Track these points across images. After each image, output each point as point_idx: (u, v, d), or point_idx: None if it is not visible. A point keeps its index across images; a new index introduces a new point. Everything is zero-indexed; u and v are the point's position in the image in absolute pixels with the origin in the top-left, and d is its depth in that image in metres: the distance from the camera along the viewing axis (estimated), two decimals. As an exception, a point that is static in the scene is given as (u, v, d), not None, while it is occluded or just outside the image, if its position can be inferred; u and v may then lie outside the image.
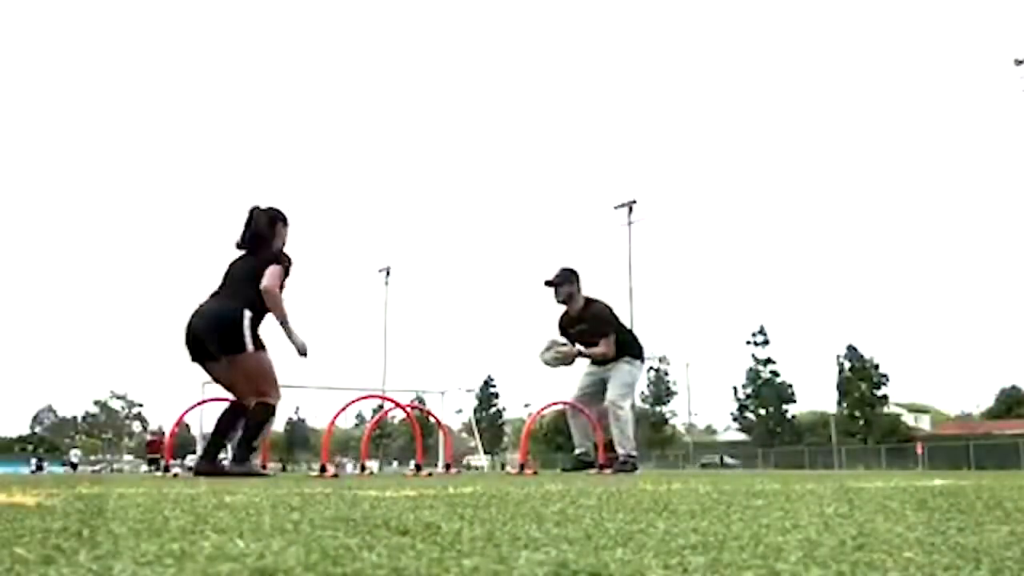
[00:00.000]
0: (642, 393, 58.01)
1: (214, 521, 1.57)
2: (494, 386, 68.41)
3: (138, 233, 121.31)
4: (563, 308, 7.56)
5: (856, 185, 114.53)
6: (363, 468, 7.53)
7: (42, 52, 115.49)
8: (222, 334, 5.36)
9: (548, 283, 7.45)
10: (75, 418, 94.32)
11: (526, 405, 65.73)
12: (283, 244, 5.72)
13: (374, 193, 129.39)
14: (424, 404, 32.97)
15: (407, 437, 67.26)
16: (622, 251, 39.06)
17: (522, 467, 6.56)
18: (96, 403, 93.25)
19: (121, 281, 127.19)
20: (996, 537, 1.33)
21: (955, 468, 35.97)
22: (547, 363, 7.34)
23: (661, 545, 1.18)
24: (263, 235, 5.63)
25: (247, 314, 5.33)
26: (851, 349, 54.69)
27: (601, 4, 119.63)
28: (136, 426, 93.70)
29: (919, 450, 45.32)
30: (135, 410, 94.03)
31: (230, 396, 5.89)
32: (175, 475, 6.76)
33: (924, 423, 71.27)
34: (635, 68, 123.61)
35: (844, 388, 53.92)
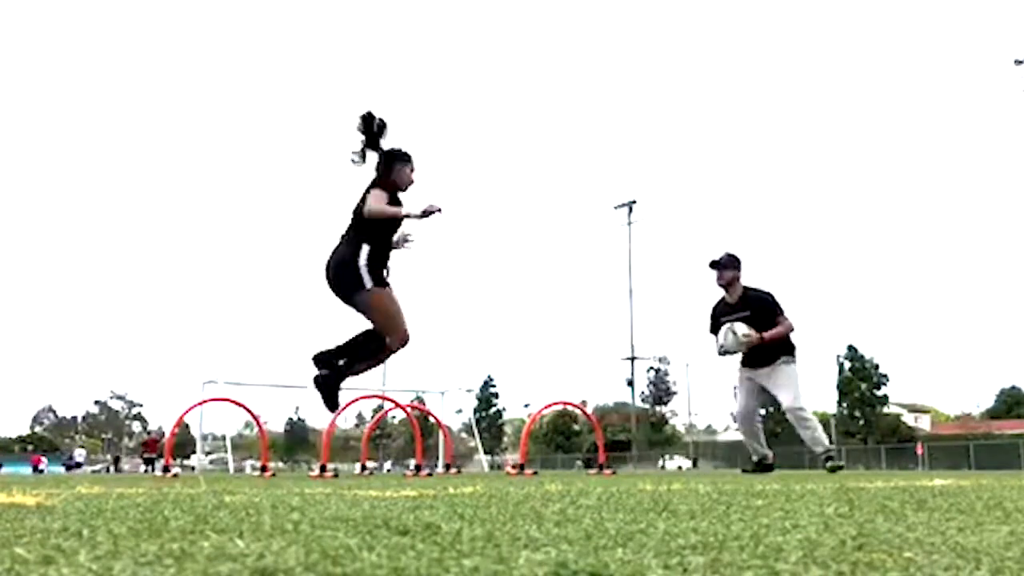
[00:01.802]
0: (642, 393, 57.96)
1: (214, 521, 1.57)
2: (494, 386, 68.39)
3: (138, 233, 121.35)
4: (721, 294, 7.51)
5: (856, 185, 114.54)
6: (363, 468, 7.54)
7: (42, 52, 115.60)
8: (342, 279, 5.33)
9: (713, 264, 7.41)
10: (75, 418, 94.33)
11: (526, 405, 65.70)
12: (403, 184, 5.56)
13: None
14: (424, 404, 32.98)
15: (407, 437, 67.26)
16: (622, 251, 39.13)
17: (522, 467, 6.56)
18: (96, 403, 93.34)
19: (121, 281, 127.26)
20: (996, 537, 1.33)
21: (955, 468, 36.01)
22: (729, 350, 7.28)
23: (661, 545, 1.18)
24: (378, 170, 5.51)
25: (364, 250, 5.30)
26: (851, 349, 54.68)
27: (601, 4, 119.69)
28: (136, 426, 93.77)
29: (919, 450, 45.35)
30: (135, 410, 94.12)
31: (232, 398, 5.98)
32: (175, 475, 6.77)
33: (924, 423, 71.28)
34: (635, 68, 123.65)
35: (844, 388, 53.92)
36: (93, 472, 37.85)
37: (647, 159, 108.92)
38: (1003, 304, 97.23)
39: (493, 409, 68.29)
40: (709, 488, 3.23)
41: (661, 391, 60.66)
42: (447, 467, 8.38)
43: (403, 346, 5.52)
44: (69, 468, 43.18)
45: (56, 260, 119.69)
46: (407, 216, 5.31)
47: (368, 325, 5.50)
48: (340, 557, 1.01)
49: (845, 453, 50.15)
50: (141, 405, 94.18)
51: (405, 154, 5.63)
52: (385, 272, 5.40)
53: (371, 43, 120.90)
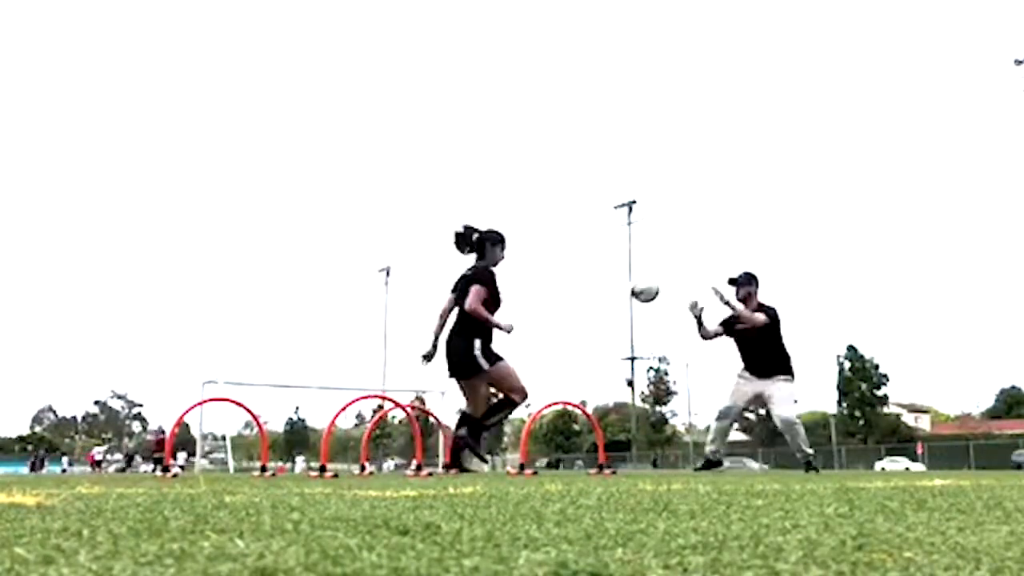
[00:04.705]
0: (642, 393, 57.95)
1: (214, 521, 1.57)
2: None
3: (138, 233, 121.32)
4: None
5: (856, 185, 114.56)
6: (363, 468, 7.54)
7: (42, 52, 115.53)
8: (460, 365, 6.47)
9: (731, 281, 8.18)
10: (75, 418, 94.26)
11: (526, 405, 65.70)
12: (496, 262, 6.73)
13: (374, 193, 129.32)
14: (424, 404, 32.96)
15: (407, 437, 67.26)
16: (622, 251, 39.13)
17: (522, 467, 6.57)
18: (96, 403, 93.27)
19: (121, 281, 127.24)
20: (996, 537, 1.33)
21: (955, 468, 35.97)
22: (641, 293, 7.62)
23: (661, 545, 1.18)
24: (478, 254, 6.73)
25: (477, 343, 6.42)
26: (851, 349, 54.68)
27: (601, 4, 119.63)
28: (136, 426, 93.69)
29: (919, 450, 45.33)
30: (135, 410, 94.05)
31: (232, 398, 6.40)
32: (175, 475, 6.77)
33: (924, 423, 71.25)
34: (635, 68, 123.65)
35: (844, 388, 53.93)
36: (116, 471, 37.74)
37: (647, 159, 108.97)
38: (1003, 304, 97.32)
39: (493, 409, 68.21)
40: (709, 488, 3.23)
41: (661, 391, 60.66)
42: (447, 467, 8.40)
43: (525, 399, 6.67)
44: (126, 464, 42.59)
45: (56, 260, 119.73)
46: (497, 326, 6.45)
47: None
48: (340, 557, 1.01)
49: (845, 453, 50.24)
50: (141, 405, 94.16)
51: (498, 236, 6.77)
52: (493, 348, 6.53)
53: (372, 43, 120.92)
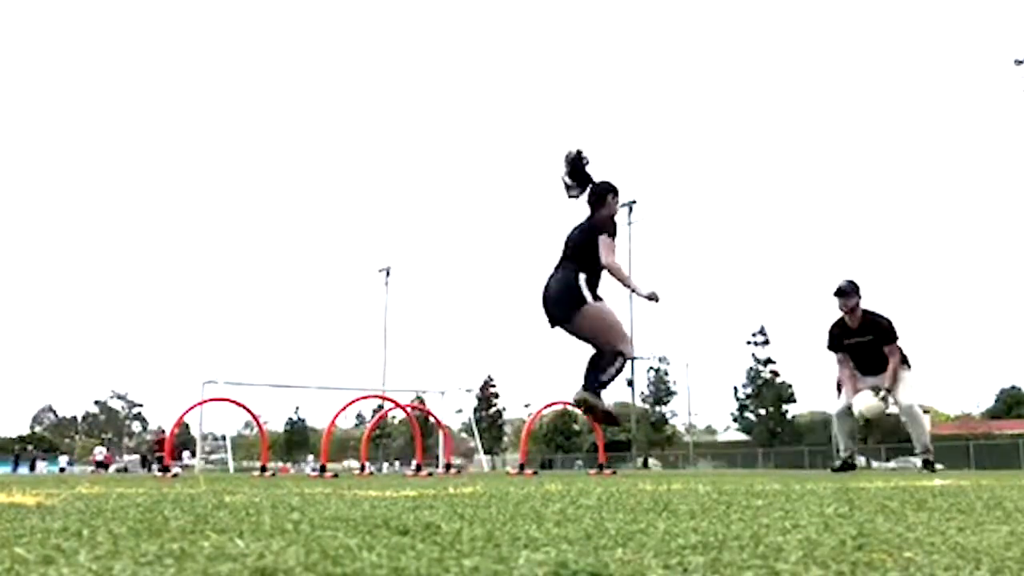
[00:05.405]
0: (642, 393, 57.96)
1: (214, 521, 1.57)
2: (494, 386, 68.45)
3: (138, 233, 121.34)
4: (839, 317, 7.99)
5: (856, 185, 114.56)
6: (363, 468, 7.55)
7: (42, 52, 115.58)
8: (560, 299, 5.78)
9: (838, 292, 7.92)
10: (75, 418, 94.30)
11: (526, 405, 65.73)
12: (613, 213, 6.06)
13: (374, 193, 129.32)
14: (424, 404, 32.97)
15: (407, 437, 67.30)
16: (622, 251, 39.10)
17: (522, 467, 6.56)
18: (96, 403, 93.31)
19: (121, 281, 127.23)
20: (996, 537, 1.33)
21: (955, 468, 35.96)
22: (863, 414, 7.81)
23: (661, 545, 1.18)
24: (597, 204, 6.01)
25: (582, 275, 5.73)
26: (851, 349, 54.59)
27: (600, 4, 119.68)
28: (136, 426, 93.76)
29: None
30: (135, 410, 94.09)
31: (232, 398, 6.15)
32: (175, 475, 6.78)
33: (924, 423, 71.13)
34: (634, 68, 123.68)
35: (844, 388, 53.82)
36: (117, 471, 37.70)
37: (647, 159, 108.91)
38: (1003, 304, 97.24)
39: (493, 409, 68.34)
40: (709, 488, 3.23)
41: (661, 391, 60.66)
42: (447, 467, 8.42)
43: (629, 349, 5.95)
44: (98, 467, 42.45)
45: (56, 260, 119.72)
46: (635, 291, 5.93)
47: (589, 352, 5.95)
48: (340, 557, 1.01)
49: (845, 453, 50.18)
50: (141, 405, 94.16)
51: (614, 187, 6.15)
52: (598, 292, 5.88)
53: (373, 44, 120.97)
